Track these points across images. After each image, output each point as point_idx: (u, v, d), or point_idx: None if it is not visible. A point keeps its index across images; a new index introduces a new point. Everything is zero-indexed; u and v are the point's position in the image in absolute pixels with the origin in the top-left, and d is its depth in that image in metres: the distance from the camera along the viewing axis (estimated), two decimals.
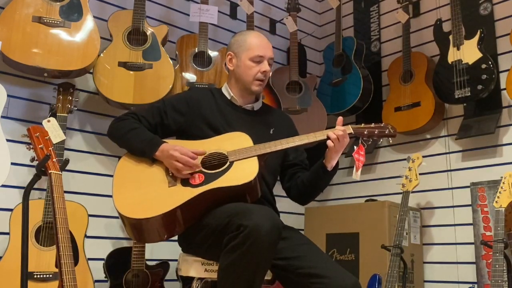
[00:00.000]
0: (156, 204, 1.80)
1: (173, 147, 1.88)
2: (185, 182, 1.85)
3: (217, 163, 1.90)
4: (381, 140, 2.10)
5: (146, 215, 1.77)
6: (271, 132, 2.12)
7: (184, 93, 2.26)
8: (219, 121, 2.05)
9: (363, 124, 2.06)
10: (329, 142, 1.93)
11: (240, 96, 2.14)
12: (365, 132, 2.02)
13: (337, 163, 2.03)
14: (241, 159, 1.87)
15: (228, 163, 1.88)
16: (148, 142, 1.94)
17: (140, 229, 1.83)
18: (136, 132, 1.98)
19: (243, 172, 1.83)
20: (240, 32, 2.25)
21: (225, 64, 3.00)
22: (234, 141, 1.94)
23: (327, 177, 2.06)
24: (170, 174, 1.89)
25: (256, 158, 1.87)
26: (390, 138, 2.08)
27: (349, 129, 1.99)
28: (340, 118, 2.00)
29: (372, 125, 2.06)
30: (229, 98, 2.14)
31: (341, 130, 1.95)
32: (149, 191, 1.86)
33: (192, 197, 1.78)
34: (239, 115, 2.10)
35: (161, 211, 1.77)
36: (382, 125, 2.07)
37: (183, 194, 1.80)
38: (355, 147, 2.04)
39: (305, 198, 2.16)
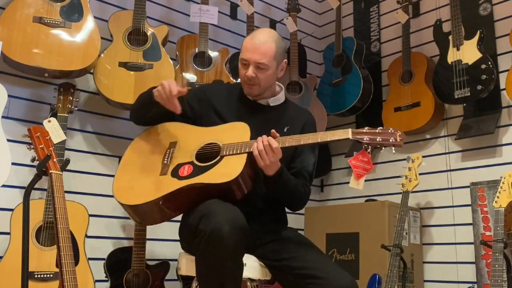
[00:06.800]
0: (143, 192, 1.84)
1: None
2: (175, 173, 1.86)
3: (210, 155, 1.88)
4: (383, 149, 1.79)
5: (132, 202, 1.83)
6: (284, 130, 2.00)
7: (205, 84, 2.23)
8: (226, 115, 2.01)
9: (366, 128, 1.78)
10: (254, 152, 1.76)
11: None
12: (365, 139, 1.75)
13: (281, 173, 1.82)
14: (232, 155, 1.82)
15: (219, 156, 1.85)
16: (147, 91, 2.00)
17: (134, 213, 1.89)
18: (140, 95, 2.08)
19: (227, 169, 1.78)
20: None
21: (226, 64, 3.03)
22: (233, 133, 1.90)
23: (270, 184, 1.86)
24: (164, 162, 1.91)
25: (245, 155, 1.80)
26: (393, 148, 1.77)
27: (348, 133, 1.76)
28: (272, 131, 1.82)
29: (377, 130, 1.78)
30: (245, 93, 2.08)
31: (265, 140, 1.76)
32: (143, 177, 1.90)
33: (175, 189, 1.79)
34: (249, 110, 2.05)
35: (145, 200, 1.81)
36: (389, 131, 1.77)
37: (168, 185, 1.82)
38: (354, 153, 1.79)
39: (283, 204, 2.03)
